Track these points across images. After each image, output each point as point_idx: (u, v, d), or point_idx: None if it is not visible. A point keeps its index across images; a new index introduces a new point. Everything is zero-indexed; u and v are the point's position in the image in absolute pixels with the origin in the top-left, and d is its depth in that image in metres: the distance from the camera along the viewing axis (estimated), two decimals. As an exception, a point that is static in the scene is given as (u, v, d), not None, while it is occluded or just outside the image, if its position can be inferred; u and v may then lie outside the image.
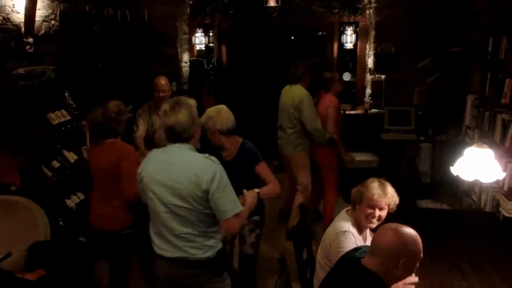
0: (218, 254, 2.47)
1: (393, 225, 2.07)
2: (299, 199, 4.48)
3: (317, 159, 4.71)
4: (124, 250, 3.22)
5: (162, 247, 2.44)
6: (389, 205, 2.60)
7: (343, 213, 2.78)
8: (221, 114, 3.01)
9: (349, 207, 2.77)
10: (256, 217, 3.27)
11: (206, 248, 2.41)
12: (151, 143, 4.17)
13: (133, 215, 3.10)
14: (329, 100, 4.63)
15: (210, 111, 3.04)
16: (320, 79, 4.73)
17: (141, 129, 4.22)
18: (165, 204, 2.34)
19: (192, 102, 2.42)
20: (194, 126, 2.39)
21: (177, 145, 2.37)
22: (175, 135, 2.35)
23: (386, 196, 2.57)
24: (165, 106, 2.38)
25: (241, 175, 2.80)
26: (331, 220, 3.49)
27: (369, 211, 2.57)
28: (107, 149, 3.07)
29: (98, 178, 3.15)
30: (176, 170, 2.31)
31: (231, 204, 2.33)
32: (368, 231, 2.75)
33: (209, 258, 2.42)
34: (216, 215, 2.34)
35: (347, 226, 2.62)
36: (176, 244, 2.39)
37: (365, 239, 2.70)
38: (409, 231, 2.02)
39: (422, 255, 2.02)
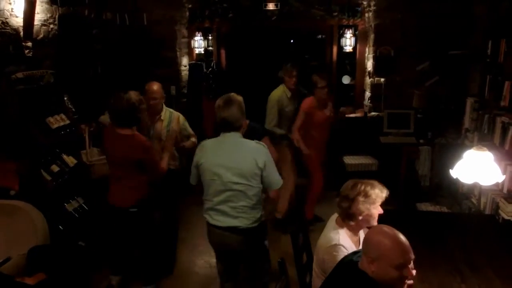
0: (261, 224, 3.05)
1: (382, 226, 2.07)
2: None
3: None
4: (131, 224, 3.51)
5: (216, 219, 2.96)
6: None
7: (332, 223, 2.68)
8: None
9: (338, 216, 2.68)
10: None
11: (253, 218, 2.96)
12: None
13: (142, 195, 3.45)
14: (304, 103, 4.85)
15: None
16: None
17: None
18: (226, 182, 2.86)
19: (240, 98, 3.00)
20: (243, 118, 2.94)
21: (231, 133, 2.91)
22: (229, 125, 2.89)
23: (377, 194, 2.53)
24: (219, 102, 2.95)
25: None
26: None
27: (371, 213, 2.51)
28: (127, 142, 3.30)
29: (115, 164, 3.46)
30: (236, 154, 2.87)
31: (277, 179, 2.98)
32: (361, 233, 2.67)
33: (254, 228, 2.97)
34: (268, 188, 2.99)
35: (337, 238, 2.52)
36: (231, 214, 2.92)
37: (358, 244, 2.62)
38: (400, 234, 2.01)
39: (413, 256, 2.00)
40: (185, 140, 4.13)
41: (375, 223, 2.52)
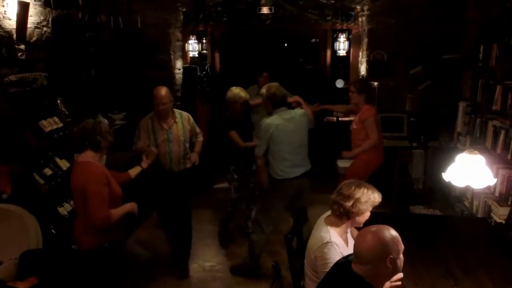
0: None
1: (369, 228, 2.08)
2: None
3: None
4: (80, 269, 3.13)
5: (293, 171, 3.98)
6: None
7: (321, 222, 2.72)
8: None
9: (326, 215, 2.73)
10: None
11: (309, 163, 4.13)
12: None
13: (98, 241, 3.04)
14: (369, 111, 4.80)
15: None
16: None
17: (142, 142, 4.06)
18: (293, 141, 3.97)
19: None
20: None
21: (284, 108, 4.00)
22: (281, 101, 3.99)
23: (371, 197, 2.59)
24: (264, 89, 4.06)
25: None
26: None
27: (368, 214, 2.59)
28: (77, 168, 3.04)
29: (73, 197, 3.16)
30: (296, 121, 3.99)
31: None
32: (348, 233, 2.73)
33: (310, 169, 4.12)
34: None
35: (329, 236, 2.56)
36: (301, 164, 4.04)
37: (346, 242, 2.66)
38: (385, 230, 2.04)
39: (403, 246, 2.03)
40: (194, 138, 4.33)
41: (361, 224, 2.59)
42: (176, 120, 4.14)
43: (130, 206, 3.21)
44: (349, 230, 2.72)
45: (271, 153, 4.01)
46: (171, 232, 4.41)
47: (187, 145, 4.22)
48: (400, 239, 2.04)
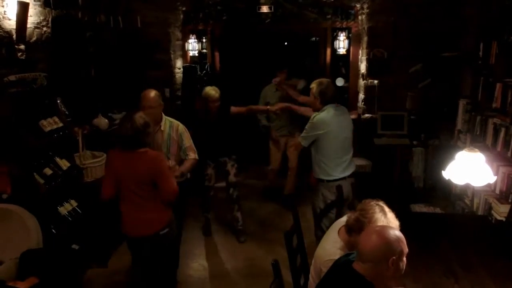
0: None
1: (375, 228, 2.08)
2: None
3: None
4: (164, 249, 3.31)
5: (345, 170, 3.88)
6: None
7: (334, 233, 2.66)
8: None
9: (342, 226, 2.65)
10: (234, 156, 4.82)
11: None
12: None
13: (170, 214, 3.27)
14: None
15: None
16: None
17: None
18: (346, 138, 3.91)
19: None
20: None
21: (333, 105, 3.86)
22: (333, 98, 3.88)
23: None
24: (314, 84, 3.90)
25: None
26: None
27: None
28: (141, 158, 3.10)
29: (131, 186, 3.15)
30: (346, 116, 3.98)
31: None
32: None
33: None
34: None
35: (338, 253, 2.47)
36: (350, 162, 3.97)
37: None
38: (391, 230, 2.03)
39: (407, 249, 2.03)
40: (183, 155, 3.87)
41: None
42: (162, 128, 3.80)
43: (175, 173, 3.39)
44: None
45: (320, 151, 3.85)
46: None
47: (174, 159, 3.75)
48: (405, 241, 2.02)
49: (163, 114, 3.85)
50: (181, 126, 3.89)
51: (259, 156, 6.28)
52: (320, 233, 3.88)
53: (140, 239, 3.21)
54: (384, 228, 2.03)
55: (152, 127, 3.36)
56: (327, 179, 3.85)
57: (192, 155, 3.86)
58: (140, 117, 3.13)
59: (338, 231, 2.65)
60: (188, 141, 3.87)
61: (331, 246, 2.58)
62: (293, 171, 5.80)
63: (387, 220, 2.38)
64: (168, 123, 3.85)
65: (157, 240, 3.20)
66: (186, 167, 3.80)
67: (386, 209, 2.44)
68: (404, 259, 2.03)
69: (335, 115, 3.83)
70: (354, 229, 2.45)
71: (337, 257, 2.44)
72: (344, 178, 3.86)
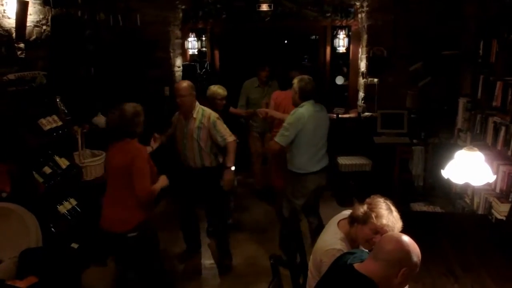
0: None
1: (400, 234, 2.08)
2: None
3: None
4: (130, 251, 3.23)
5: (314, 166, 4.00)
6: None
7: (334, 225, 2.66)
8: None
9: (341, 218, 2.66)
10: None
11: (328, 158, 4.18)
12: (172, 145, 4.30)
13: (145, 216, 3.21)
14: None
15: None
16: None
17: (169, 131, 4.33)
18: (321, 134, 4.03)
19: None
20: None
21: (311, 101, 4.00)
22: (311, 95, 3.99)
23: (395, 226, 2.41)
24: (295, 80, 4.04)
25: None
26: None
27: (373, 236, 2.41)
28: (121, 149, 3.15)
29: (112, 178, 3.24)
30: (323, 114, 4.13)
31: None
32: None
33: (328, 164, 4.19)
34: None
35: (339, 243, 2.50)
36: (322, 158, 4.08)
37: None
38: (415, 245, 2.03)
39: (417, 270, 2.03)
40: (218, 140, 4.04)
41: (368, 247, 2.45)
42: (194, 115, 4.06)
43: (163, 181, 3.33)
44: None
45: (296, 145, 3.98)
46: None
47: (204, 144, 4.07)
48: (420, 261, 2.01)
49: (197, 103, 4.12)
50: (213, 115, 4.09)
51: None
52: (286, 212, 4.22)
53: (111, 234, 3.19)
54: (411, 240, 2.03)
55: (184, 115, 4.06)
56: (298, 172, 4.03)
57: (230, 138, 4.04)
58: (131, 106, 3.20)
59: (338, 223, 2.66)
60: (221, 127, 4.06)
61: (331, 237, 2.59)
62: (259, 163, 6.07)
63: (393, 217, 2.41)
64: (200, 111, 4.09)
65: (124, 242, 3.14)
66: (230, 157, 4.04)
67: (393, 208, 2.46)
68: (411, 275, 2.02)
69: (314, 111, 3.98)
70: (358, 220, 2.47)
71: (338, 246, 2.47)
72: (317, 171, 4.05)
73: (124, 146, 3.15)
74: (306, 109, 3.95)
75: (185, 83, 4.07)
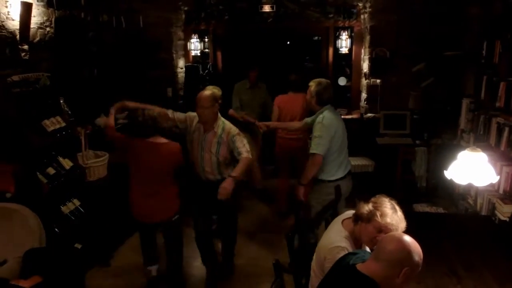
0: None
1: (401, 234, 2.08)
2: None
3: None
4: (178, 233, 3.90)
5: (344, 170, 3.90)
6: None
7: (338, 223, 2.67)
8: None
9: (346, 218, 2.67)
10: None
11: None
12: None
13: (180, 203, 3.78)
14: None
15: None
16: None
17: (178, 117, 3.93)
18: (345, 139, 3.93)
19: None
20: None
21: (331, 106, 3.88)
22: (329, 100, 3.88)
23: (399, 225, 2.42)
24: (312, 83, 3.91)
25: None
26: None
27: (377, 235, 2.40)
28: (161, 150, 3.59)
29: (151, 174, 3.61)
30: (340, 117, 4.01)
31: None
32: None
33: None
34: None
35: (343, 241, 2.51)
36: (348, 162, 4.01)
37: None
38: (416, 244, 2.03)
39: (419, 269, 2.03)
40: (234, 154, 3.72)
41: (372, 245, 2.47)
42: (215, 129, 3.75)
43: None
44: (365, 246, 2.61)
45: (329, 153, 3.79)
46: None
47: (223, 159, 3.78)
48: (421, 261, 2.02)
49: (219, 116, 3.81)
50: (234, 130, 3.79)
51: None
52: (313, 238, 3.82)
53: (149, 224, 3.78)
54: (412, 239, 2.03)
55: (203, 126, 3.78)
56: (328, 179, 3.86)
57: (245, 154, 3.66)
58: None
59: (342, 222, 2.66)
60: (240, 143, 3.71)
61: (335, 235, 2.59)
62: (256, 162, 6.07)
63: (397, 217, 2.41)
64: (221, 125, 3.78)
65: (170, 225, 3.76)
66: (238, 167, 3.61)
67: (397, 207, 2.47)
68: (413, 275, 2.02)
69: (337, 117, 3.91)
70: (362, 218, 2.47)
71: (342, 244, 2.47)
72: (344, 177, 3.91)
73: (163, 146, 3.60)
74: (331, 115, 3.80)
75: (208, 93, 3.70)
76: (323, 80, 3.95)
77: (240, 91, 5.92)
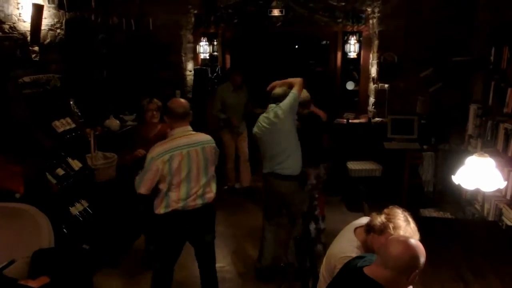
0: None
1: (406, 238, 2.08)
2: None
3: None
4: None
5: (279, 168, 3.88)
6: None
7: (350, 232, 2.65)
8: None
9: (358, 226, 2.65)
10: None
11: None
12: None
13: None
14: None
15: None
16: None
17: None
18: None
19: None
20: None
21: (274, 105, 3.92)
22: (278, 99, 3.89)
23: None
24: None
25: None
26: None
27: None
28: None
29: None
30: None
31: None
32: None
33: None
34: None
35: (355, 252, 2.48)
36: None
37: None
38: (420, 244, 2.03)
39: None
40: None
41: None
42: None
43: None
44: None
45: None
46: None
47: None
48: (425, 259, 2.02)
49: None
50: None
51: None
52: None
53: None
54: (416, 241, 2.03)
55: None
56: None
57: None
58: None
59: (355, 230, 2.64)
60: None
61: (347, 244, 2.57)
62: (246, 163, 6.26)
63: (410, 229, 2.38)
64: None
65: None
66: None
67: (410, 219, 2.44)
68: (418, 274, 2.03)
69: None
70: (375, 230, 2.44)
71: (354, 254, 2.44)
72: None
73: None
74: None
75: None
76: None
77: (224, 94, 6.03)
